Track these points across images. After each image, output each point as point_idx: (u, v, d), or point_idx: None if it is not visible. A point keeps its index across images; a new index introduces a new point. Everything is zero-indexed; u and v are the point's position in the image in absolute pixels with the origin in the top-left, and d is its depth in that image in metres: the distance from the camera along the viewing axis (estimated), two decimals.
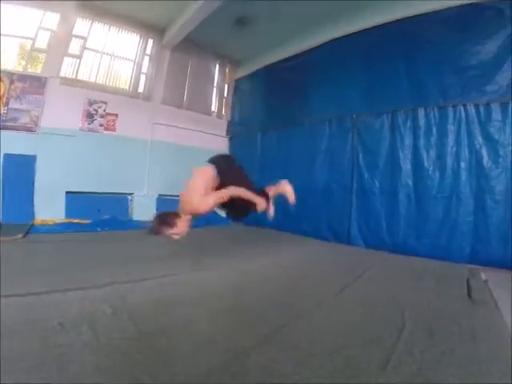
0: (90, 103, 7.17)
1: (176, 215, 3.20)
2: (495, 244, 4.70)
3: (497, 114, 4.86)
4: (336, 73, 6.87)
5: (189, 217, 3.25)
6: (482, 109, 5.01)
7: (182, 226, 3.22)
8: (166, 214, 3.27)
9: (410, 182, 5.59)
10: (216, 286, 3.23)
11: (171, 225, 3.14)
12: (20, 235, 5.15)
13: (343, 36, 6.81)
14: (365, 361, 1.84)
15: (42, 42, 6.77)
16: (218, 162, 3.12)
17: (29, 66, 6.80)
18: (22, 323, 2.04)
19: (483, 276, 3.96)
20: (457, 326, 2.42)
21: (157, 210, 7.92)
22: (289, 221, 7.32)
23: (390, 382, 1.64)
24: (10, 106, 6.33)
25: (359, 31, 6.54)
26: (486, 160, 4.91)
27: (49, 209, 6.50)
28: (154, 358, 1.76)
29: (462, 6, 5.20)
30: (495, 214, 4.75)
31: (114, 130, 7.43)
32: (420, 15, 5.69)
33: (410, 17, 5.80)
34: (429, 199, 5.34)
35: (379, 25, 6.23)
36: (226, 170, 3.21)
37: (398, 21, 5.97)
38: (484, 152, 4.94)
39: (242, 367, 1.72)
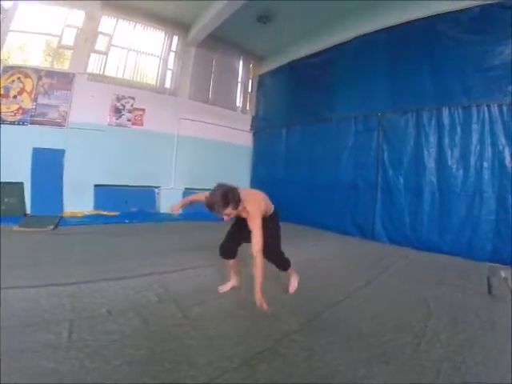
0: (118, 99, 7.45)
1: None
2: None
3: None
4: (361, 70, 6.92)
5: None
6: (505, 109, 5.03)
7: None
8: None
9: (434, 180, 5.67)
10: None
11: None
12: (51, 227, 5.42)
13: (368, 33, 6.84)
14: (398, 345, 2.06)
15: (69, 39, 7.01)
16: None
17: (55, 63, 7.06)
18: (69, 311, 2.26)
19: (503, 274, 4.03)
20: (478, 318, 2.60)
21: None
22: (314, 215, 7.56)
23: (422, 363, 1.84)
24: (38, 101, 6.63)
25: (384, 28, 6.56)
26: (508, 160, 4.95)
27: (78, 201, 6.83)
28: (206, 343, 1.96)
29: (485, 6, 5.19)
30: None
31: (142, 124, 7.71)
32: (444, 14, 5.69)
33: (435, 15, 5.80)
34: (452, 197, 5.41)
35: (404, 22, 6.23)
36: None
37: (423, 19, 5.97)
38: (507, 152, 4.97)
39: (288, 349, 1.94)
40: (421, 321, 2.46)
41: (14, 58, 6.92)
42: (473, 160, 5.23)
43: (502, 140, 5.01)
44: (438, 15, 5.76)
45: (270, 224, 2.49)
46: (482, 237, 5.03)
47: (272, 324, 2.25)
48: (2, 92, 6.28)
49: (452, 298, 3.09)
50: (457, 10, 5.52)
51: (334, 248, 5.56)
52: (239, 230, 2.60)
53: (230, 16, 6.90)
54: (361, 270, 4.04)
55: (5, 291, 2.44)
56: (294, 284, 2.93)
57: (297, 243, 5.16)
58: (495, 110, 5.11)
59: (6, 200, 6.15)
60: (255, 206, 2.33)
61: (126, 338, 1.94)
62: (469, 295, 3.20)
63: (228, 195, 2.23)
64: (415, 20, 6.07)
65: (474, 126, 5.27)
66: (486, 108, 5.19)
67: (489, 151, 5.12)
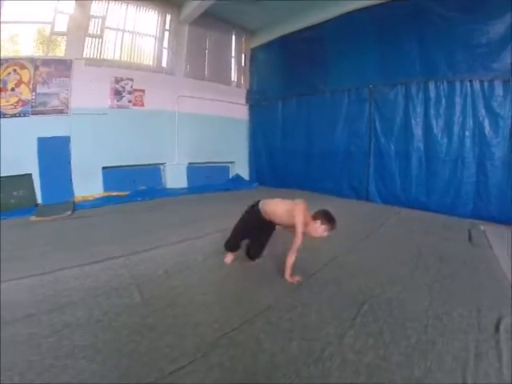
0: (117, 81, 7.53)
1: None
2: (494, 202, 5.47)
3: (499, 90, 5.43)
4: (352, 45, 7.24)
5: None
6: (486, 84, 5.56)
7: None
8: None
9: (421, 146, 6.27)
10: None
11: None
12: (69, 212, 5.63)
13: (358, 9, 7.09)
14: (399, 274, 2.75)
15: (61, 25, 6.83)
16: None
17: (50, 51, 6.86)
18: (130, 278, 2.70)
19: (482, 227, 4.72)
20: (460, 259, 3.26)
21: (188, 178, 8.68)
22: (312, 181, 8.16)
23: (417, 285, 2.47)
24: (37, 91, 6.51)
25: (373, 5, 6.82)
26: (487, 130, 5.56)
27: (87, 185, 7.00)
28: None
29: None
30: (494, 176, 5.48)
31: (143, 105, 7.89)
32: None
33: None
34: (437, 162, 6.04)
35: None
36: None
37: None
38: (486, 123, 5.57)
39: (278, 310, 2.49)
40: (413, 259, 3.11)
41: (6, 50, 6.59)
42: (456, 129, 5.82)
43: (483, 112, 5.59)
44: None
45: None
46: (464, 197, 5.72)
47: (270, 286, 2.65)
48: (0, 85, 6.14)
49: (438, 244, 3.77)
50: None
51: (334, 209, 6.12)
52: (260, 232, 2.98)
53: None
54: (360, 226, 4.68)
55: (69, 270, 2.85)
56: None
57: None
58: (477, 84, 5.64)
59: (14, 193, 6.21)
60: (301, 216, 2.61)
61: (190, 289, 2.49)
62: (452, 242, 3.88)
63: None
64: None
65: (458, 99, 5.80)
66: (468, 83, 5.71)
67: (470, 122, 5.70)
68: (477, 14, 5.51)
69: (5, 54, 6.39)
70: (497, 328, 1.93)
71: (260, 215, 2.80)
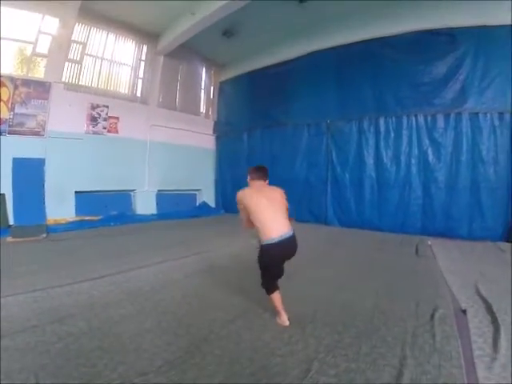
0: (93, 107, 7.76)
1: None
2: (439, 219, 6.32)
3: (441, 122, 6.41)
4: (313, 82, 8.09)
5: None
6: (429, 118, 6.53)
7: None
8: None
9: (373, 174, 7.10)
10: (231, 259, 4.37)
11: None
12: (44, 235, 5.67)
13: (318, 50, 8.02)
14: (350, 282, 3.29)
15: (43, 47, 6.94)
16: None
17: (29, 71, 6.92)
18: (124, 293, 2.95)
19: (429, 242, 5.43)
20: (407, 268, 3.85)
21: (157, 204, 8.86)
22: None
23: (366, 290, 3.00)
24: (15, 111, 6.53)
25: (332, 47, 7.78)
26: (431, 157, 6.48)
27: (60, 208, 6.97)
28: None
29: (419, 32, 6.56)
30: (438, 197, 6.37)
31: (117, 132, 8.14)
32: (384, 37, 7.00)
33: (376, 38, 7.09)
34: (388, 187, 6.88)
35: (350, 43, 7.49)
36: None
37: (365, 41, 7.26)
38: (430, 151, 6.50)
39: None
40: (367, 272, 3.66)
41: None
42: (403, 158, 6.72)
43: (427, 142, 6.54)
44: (378, 38, 7.07)
45: None
46: (412, 216, 6.55)
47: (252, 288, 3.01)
48: None
49: (388, 258, 4.40)
50: (395, 35, 6.87)
51: (297, 232, 6.67)
52: None
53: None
54: (319, 246, 5.24)
55: (60, 288, 3.03)
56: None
57: None
58: (421, 118, 6.60)
59: None
60: None
61: (172, 302, 2.81)
62: (400, 255, 4.53)
63: None
64: (359, 41, 7.33)
65: (405, 132, 6.74)
66: (414, 118, 6.66)
67: (416, 151, 6.62)
68: (421, 57, 6.51)
69: None
70: (432, 316, 2.44)
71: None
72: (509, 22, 5.66)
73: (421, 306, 2.65)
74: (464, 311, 2.55)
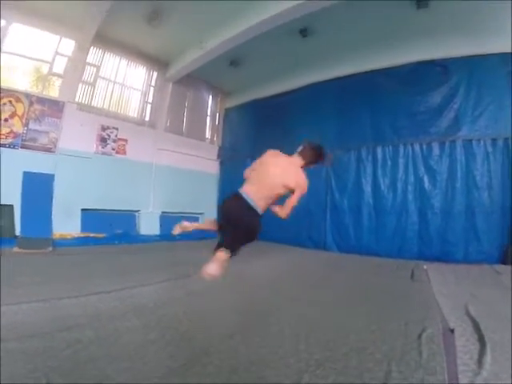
0: (103, 128, 8.15)
1: None
2: (435, 244, 6.50)
3: (436, 150, 6.72)
4: (314, 112, 8.49)
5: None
6: (425, 146, 6.85)
7: None
8: None
9: (371, 201, 7.35)
10: (231, 281, 4.44)
11: None
12: (50, 248, 5.88)
13: (319, 82, 8.48)
14: (344, 304, 3.39)
15: (59, 67, 7.41)
16: None
17: (44, 89, 7.33)
18: (128, 307, 3.08)
19: (424, 266, 5.55)
20: (401, 293, 3.98)
21: (160, 226, 9.04)
22: (275, 233, 8.69)
23: (359, 311, 3.13)
24: (29, 126, 6.88)
25: (332, 79, 8.24)
26: (426, 184, 6.75)
27: (66, 224, 7.21)
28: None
29: (415, 63, 6.99)
30: (434, 223, 6.57)
31: (125, 153, 8.49)
32: (382, 69, 7.44)
33: (375, 70, 7.54)
34: (385, 213, 7.10)
35: (349, 75, 7.93)
36: None
37: (364, 72, 7.71)
38: (425, 179, 6.77)
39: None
40: (364, 294, 3.79)
41: (4, 81, 6.86)
42: (400, 185, 6.99)
43: (422, 169, 6.82)
44: (377, 70, 7.51)
45: None
46: (409, 241, 6.73)
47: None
48: None
49: (383, 282, 4.53)
50: (393, 66, 7.31)
51: (296, 258, 6.92)
52: None
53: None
54: (319, 270, 5.43)
55: (68, 299, 3.16)
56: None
57: (267, 255, 6.47)
58: (417, 147, 6.91)
59: None
60: None
61: (174, 317, 2.93)
62: (396, 280, 4.67)
63: None
64: (358, 73, 7.78)
65: (401, 160, 7.04)
66: (410, 146, 6.98)
67: (412, 178, 6.89)
68: (417, 87, 6.88)
69: (3, 85, 6.64)
70: (419, 336, 2.57)
71: None
72: (500, 50, 6.04)
73: (410, 326, 2.78)
74: (452, 330, 2.68)
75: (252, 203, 2.54)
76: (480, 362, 2.15)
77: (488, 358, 2.18)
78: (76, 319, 2.72)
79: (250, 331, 2.69)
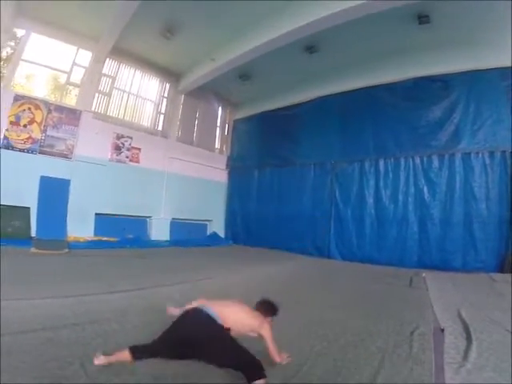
0: (118, 137, 8.56)
1: None
2: (434, 253, 6.76)
3: (436, 163, 7.01)
4: (319, 125, 8.84)
5: None
6: (425, 159, 7.13)
7: None
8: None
9: (373, 212, 7.64)
10: (241, 285, 4.79)
11: None
12: (66, 249, 6.10)
13: (324, 96, 8.83)
14: (345, 307, 3.65)
15: (76, 76, 7.86)
16: None
17: (62, 98, 7.77)
18: (148, 305, 3.32)
19: (423, 274, 5.77)
20: (398, 297, 4.24)
21: (170, 231, 9.39)
22: (281, 241, 9.22)
23: (358, 313, 3.40)
24: (47, 133, 7.25)
25: (337, 93, 8.58)
26: (426, 195, 7.02)
27: (80, 227, 7.56)
28: None
29: (417, 78, 7.32)
30: (433, 232, 6.84)
31: (138, 161, 8.89)
32: (384, 84, 7.78)
33: (378, 85, 7.87)
34: (386, 223, 7.38)
35: (353, 89, 8.27)
36: None
37: (367, 87, 8.05)
38: (425, 190, 7.05)
39: None
40: (366, 299, 4.06)
41: (24, 88, 7.46)
42: (401, 196, 7.27)
43: (422, 181, 7.10)
44: (379, 85, 7.85)
45: None
46: (409, 250, 6.99)
47: None
48: (13, 120, 6.76)
49: (382, 288, 4.78)
50: (395, 82, 7.66)
51: (300, 265, 7.15)
52: None
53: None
54: (325, 277, 5.69)
55: (92, 296, 3.44)
56: None
57: (274, 262, 6.76)
58: (418, 160, 7.19)
59: (12, 222, 6.55)
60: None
61: None
62: (395, 286, 4.92)
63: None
64: (362, 88, 8.12)
65: (402, 172, 7.32)
66: (411, 159, 7.27)
67: (412, 190, 7.17)
68: (418, 102, 7.19)
69: (23, 92, 7.14)
70: (412, 333, 2.84)
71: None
72: (499, 65, 6.33)
73: (404, 326, 3.04)
74: (442, 330, 2.93)
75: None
76: (466, 356, 2.40)
77: (473, 354, 2.43)
78: (102, 314, 2.96)
79: None
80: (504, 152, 6.40)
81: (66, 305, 3.09)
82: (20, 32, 7.14)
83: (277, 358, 2.09)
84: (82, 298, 3.33)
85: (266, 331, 2.12)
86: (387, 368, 2.19)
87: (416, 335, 2.80)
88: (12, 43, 7.18)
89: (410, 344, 2.61)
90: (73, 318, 2.76)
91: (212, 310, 2.11)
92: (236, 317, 2.15)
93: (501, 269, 5.97)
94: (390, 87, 7.73)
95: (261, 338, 2.12)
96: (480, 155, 6.61)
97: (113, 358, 1.98)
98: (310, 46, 7.39)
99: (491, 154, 6.52)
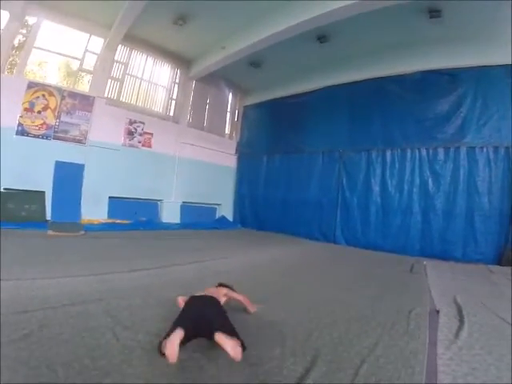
0: (131, 122, 8.75)
1: None
2: (436, 243, 6.99)
3: (441, 155, 7.17)
4: (328, 114, 8.99)
5: None
6: (431, 151, 7.28)
7: None
8: None
9: (379, 200, 7.85)
10: (251, 266, 5.08)
11: None
12: (82, 231, 6.36)
13: (334, 85, 8.92)
14: (349, 289, 3.93)
15: (89, 63, 8.00)
16: None
17: (75, 84, 7.92)
18: (167, 281, 3.68)
19: (424, 262, 6.01)
20: (399, 281, 4.52)
21: (181, 214, 9.67)
22: (288, 226, 9.48)
23: (361, 294, 3.67)
24: (61, 119, 7.45)
25: (346, 83, 8.67)
26: (431, 186, 7.21)
27: (94, 210, 7.86)
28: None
29: (425, 71, 7.41)
30: (436, 223, 7.05)
31: (150, 146, 9.11)
32: (393, 76, 7.86)
33: (386, 77, 7.96)
34: (391, 212, 7.60)
35: (362, 80, 8.37)
36: None
37: (376, 78, 8.14)
38: (430, 181, 7.23)
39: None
40: (369, 284, 4.34)
41: (38, 76, 7.60)
42: (406, 186, 7.46)
43: (428, 173, 7.27)
44: (388, 77, 7.93)
45: None
46: (412, 239, 7.23)
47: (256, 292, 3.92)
48: (27, 106, 6.95)
49: (384, 273, 5.06)
50: (403, 74, 7.74)
51: (307, 249, 7.48)
52: None
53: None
54: (328, 261, 5.97)
55: (117, 274, 3.68)
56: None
57: (281, 245, 7.06)
58: (424, 151, 7.35)
59: (26, 206, 6.78)
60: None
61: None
62: (396, 272, 5.19)
63: None
64: (370, 79, 8.22)
65: (408, 163, 7.49)
66: (417, 150, 7.42)
67: (417, 180, 7.35)
68: (426, 95, 7.29)
69: (36, 79, 7.31)
70: (409, 313, 3.11)
71: None
72: (507, 61, 6.37)
73: (403, 306, 3.30)
74: (437, 311, 3.20)
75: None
76: (457, 335, 2.66)
77: (464, 333, 2.69)
78: (125, 291, 3.16)
79: (272, 302, 3.21)
80: (508, 148, 6.53)
81: (89, 282, 3.28)
82: (32, 19, 7.26)
83: (251, 308, 2.81)
84: (103, 277, 3.53)
85: (235, 293, 2.80)
86: (385, 340, 2.44)
87: (413, 314, 3.06)
88: (24, 31, 7.29)
89: (408, 322, 2.87)
90: (98, 294, 2.93)
91: (205, 292, 2.56)
92: (214, 290, 2.68)
93: (499, 261, 6.19)
94: (398, 79, 7.81)
95: (234, 299, 2.76)
96: (484, 150, 6.74)
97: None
98: (322, 35, 7.45)
99: (495, 150, 6.64)
